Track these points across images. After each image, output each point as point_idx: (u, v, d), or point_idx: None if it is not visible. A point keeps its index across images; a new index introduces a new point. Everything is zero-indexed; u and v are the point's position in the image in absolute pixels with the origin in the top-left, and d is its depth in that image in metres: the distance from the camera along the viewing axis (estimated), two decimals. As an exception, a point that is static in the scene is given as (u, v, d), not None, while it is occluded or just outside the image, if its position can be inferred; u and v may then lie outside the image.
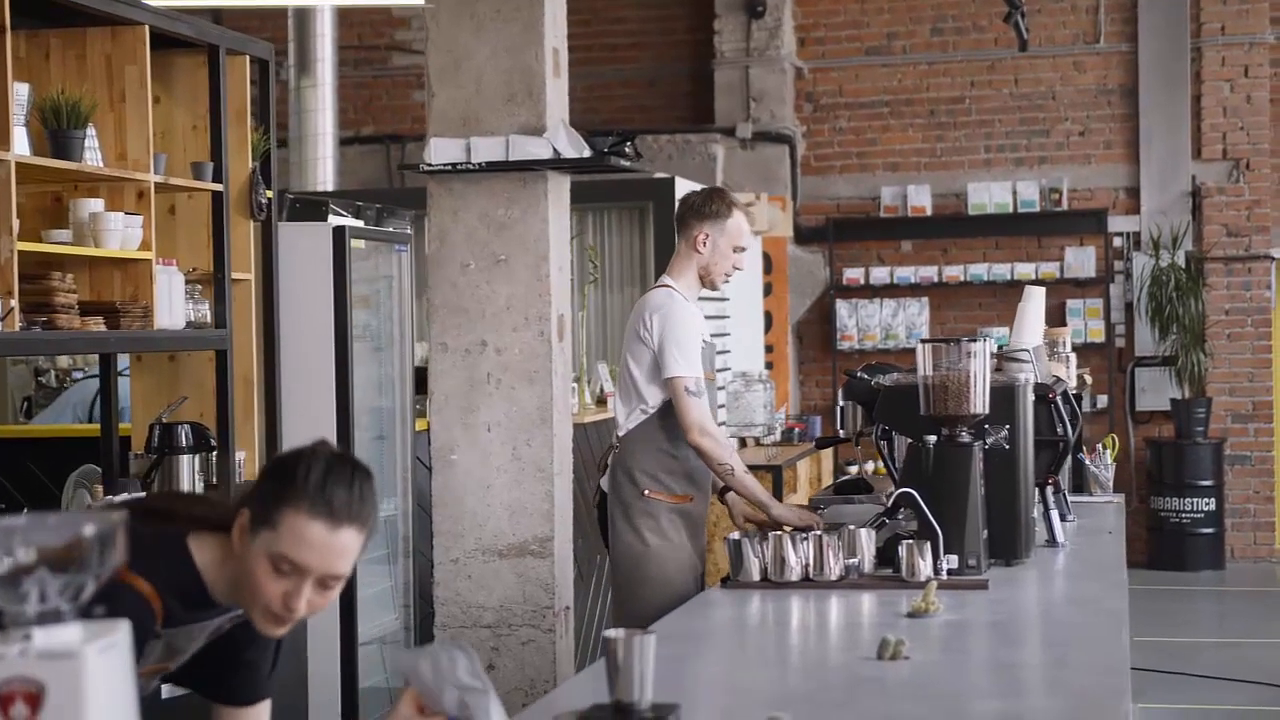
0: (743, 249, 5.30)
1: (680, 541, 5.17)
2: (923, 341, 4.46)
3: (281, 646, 2.90)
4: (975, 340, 4.42)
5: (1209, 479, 12.17)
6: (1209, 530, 12.18)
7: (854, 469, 12.21)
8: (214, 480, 5.56)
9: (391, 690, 6.74)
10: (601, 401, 8.14)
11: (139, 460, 5.49)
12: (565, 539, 5.88)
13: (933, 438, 4.40)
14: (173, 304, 5.24)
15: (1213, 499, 12.16)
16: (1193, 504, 12.14)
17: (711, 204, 5.27)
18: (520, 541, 5.77)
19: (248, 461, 5.82)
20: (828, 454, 11.07)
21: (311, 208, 6.39)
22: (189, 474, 5.38)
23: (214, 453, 5.53)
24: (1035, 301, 5.55)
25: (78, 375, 8.55)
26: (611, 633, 2.74)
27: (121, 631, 1.79)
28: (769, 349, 12.32)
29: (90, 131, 4.90)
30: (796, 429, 10.80)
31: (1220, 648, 9.70)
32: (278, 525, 2.54)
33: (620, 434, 5.25)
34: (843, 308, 12.83)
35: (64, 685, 1.71)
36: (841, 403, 5.15)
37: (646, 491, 5.15)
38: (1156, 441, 12.38)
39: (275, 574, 2.56)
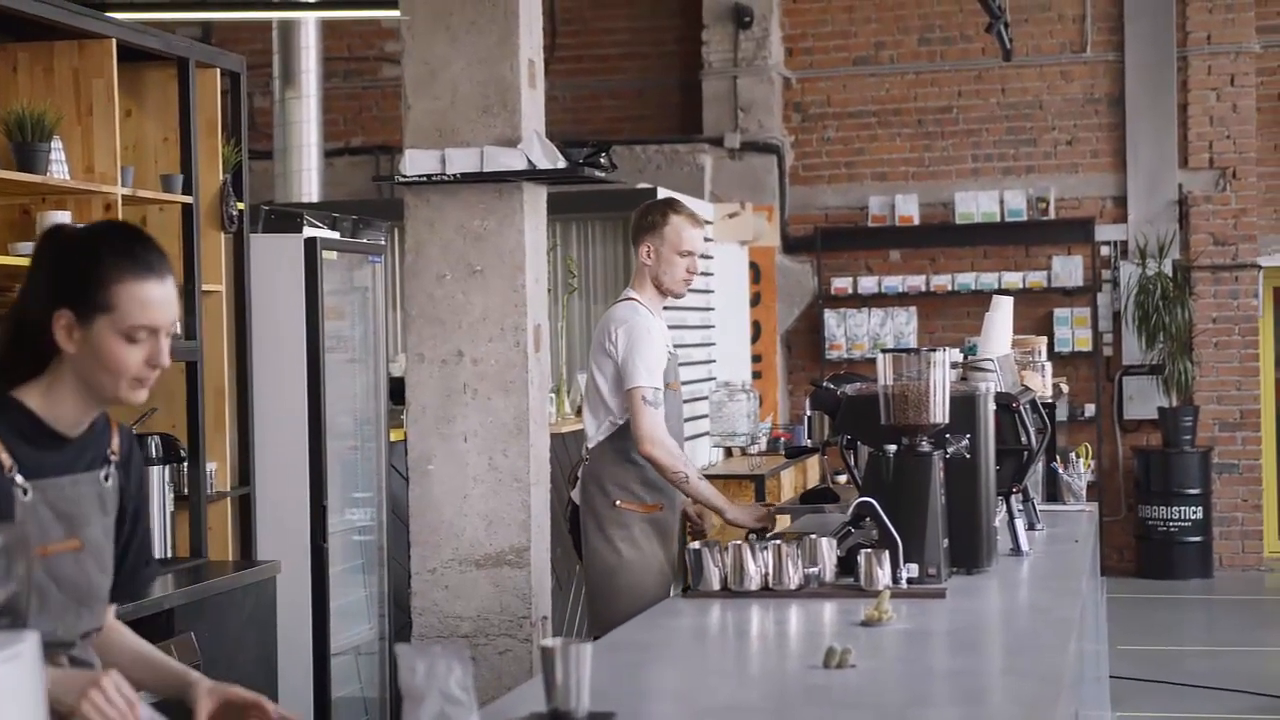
0: (689, 253, 5.37)
1: (652, 551, 5.23)
2: (884, 351, 4.48)
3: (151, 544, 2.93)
4: (935, 350, 4.43)
5: (1196, 487, 12.18)
6: (1197, 539, 12.19)
7: (843, 479, 12.21)
8: (185, 491, 5.57)
9: (366, 700, 6.75)
10: (580, 411, 8.15)
11: (109, 471, 5.49)
12: (542, 549, 5.90)
13: (893, 447, 4.41)
14: (141, 315, 5.25)
15: (1200, 507, 12.17)
16: (1180, 512, 12.15)
17: (648, 216, 5.41)
18: (497, 551, 5.78)
19: (219, 473, 5.84)
20: (814, 463, 11.09)
21: (286, 219, 6.41)
22: (159, 485, 5.39)
23: (184, 464, 5.55)
24: (1002, 311, 5.57)
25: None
26: (547, 642, 2.77)
27: (28, 643, 1.81)
28: (757, 359, 12.35)
29: (56, 144, 4.92)
30: (783, 439, 10.80)
31: (1206, 656, 9.70)
32: (114, 306, 2.65)
33: (590, 445, 5.34)
34: (831, 317, 12.85)
35: (-35, 695, 1.73)
36: (809, 412, 5.17)
37: (618, 502, 5.22)
38: (1144, 450, 12.39)
39: (131, 345, 2.66)
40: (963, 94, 12.90)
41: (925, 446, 4.42)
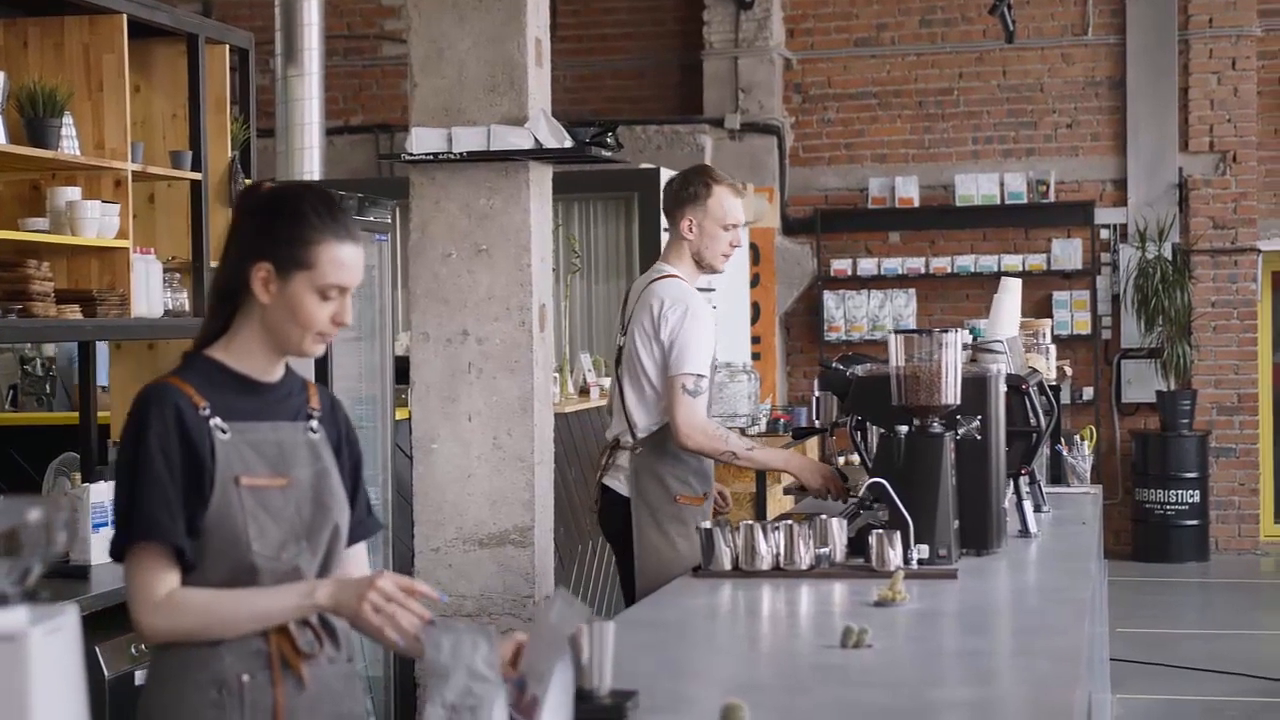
0: (733, 225, 5.15)
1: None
2: (895, 332, 4.47)
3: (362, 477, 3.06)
4: (947, 331, 4.43)
5: (1194, 471, 12.20)
6: (1193, 522, 12.22)
7: (841, 460, 12.23)
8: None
9: (370, 678, 6.76)
10: (584, 391, 8.16)
11: (116, 448, 5.49)
12: (546, 529, 5.90)
13: (904, 428, 4.41)
14: (150, 292, 5.25)
15: (1197, 491, 12.20)
16: (1177, 496, 12.18)
17: (689, 186, 5.16)
18: (501, 531, 5.79)
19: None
20: (814, 444, 11.10)
21: (293, 197, 6.39)
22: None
23: (192, 441, 5.54)
24: (1011, 293, 5.57)
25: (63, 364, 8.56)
26: (570, 620, 2.77)
27: (69, 615, 1.81)
28: (756, 340, 12.35)
29: (67, 120, 4.91)
30: (783, 420, 10.82)
31: (1203, 639, 9.73)
32: (313, 264, 2.80)
33: (639, 435, 5.11)
34: (830, 299, 12.86)
35: (8, 668, 1.73)
36: (817, 393, 5.16)
37: (678, 498, 5.06)
38: (1142, 433, 12.41)
39: (323, 301, 2.81)
40: (963, 76, 12.89)
41: (937, 428, 4.42)
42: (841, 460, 12.20)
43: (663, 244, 9.70)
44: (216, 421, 2.79)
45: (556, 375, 8.05)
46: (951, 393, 4.40)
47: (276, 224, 2.83)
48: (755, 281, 12.33)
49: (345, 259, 2.82)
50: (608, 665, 2.77)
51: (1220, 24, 12.47)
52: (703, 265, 5.19)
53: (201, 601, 2.76)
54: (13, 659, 1.73)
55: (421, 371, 5.69)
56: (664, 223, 9.80)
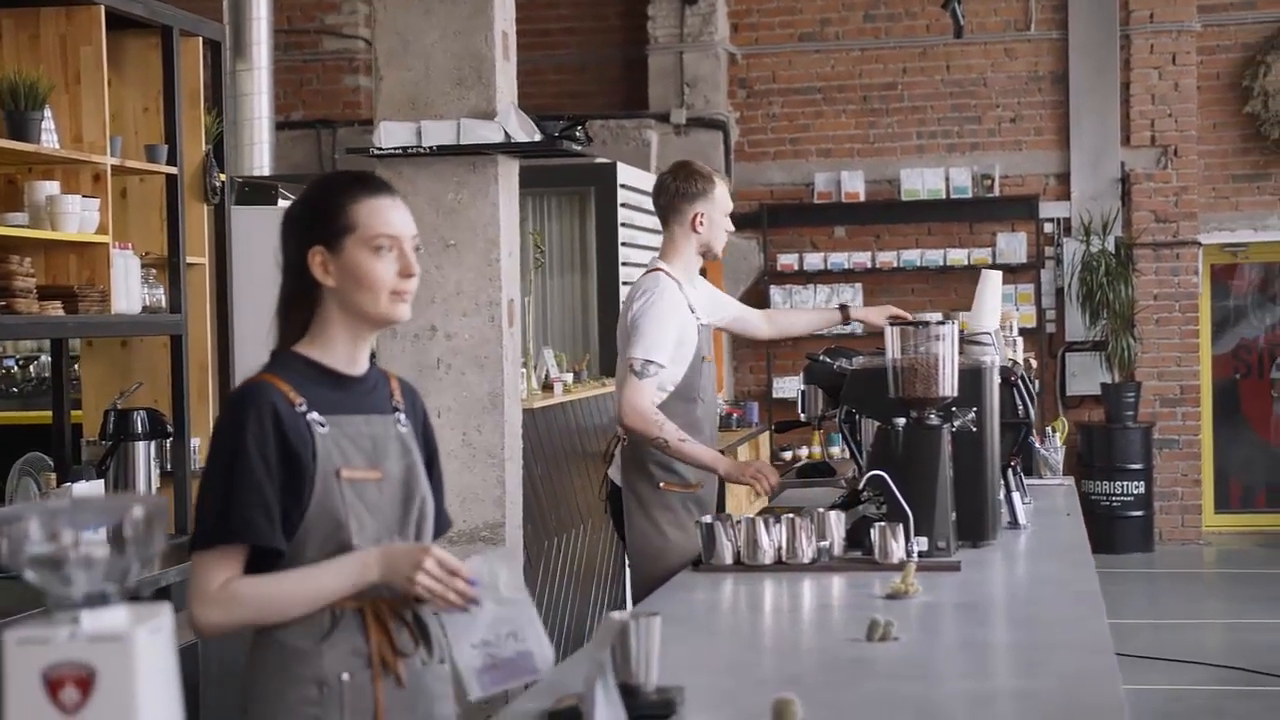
0: (729, 212, 5.34)
1: (695, 530, 5.10)
2: (892, 324, 4.47)
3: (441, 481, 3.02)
4: (944, 323, 4.43)
5: (1138, 462, 12.32)
6: (1138, 513, 12.33)
7: (788, 455, 12.26)
8: (169, 467, 5.49)
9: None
10: (548, 387, 8.12)
11: (92, 447, 5.41)
12: (515, 525, 5.88)
13: (902, 420, 4.41)
14: (129, 288, 5.17)
15: (1142, 482, 12.31)
16: (1122, 487, 12.28)
17: (696, 183, 5.23)
18: (471, 528, 5.76)
19: (203, 448, 5.75)
20: (765, 439, 11.12)
21: (260, 192, 6.34)
22: (144, 460, 5.31)
23: (170, 439, 5.47)
24: (993, 285, 5.58)
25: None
26: (618, 615, 2.74)
27: (165, 615, 1.77)
28: (703, 335, 12.33)
29: (47, 113, 4.82)
30: (734, 415, 10.84)
31: (1151, 629, 9.82)
32: (355, 224, 2.81)
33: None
34: (777, 294, 12.87)
35: (114, 668, 1.69)
36: (803, 386, 5.14)
37: (662, 484, 5.10)
38: (1087, 425, 12.51)
39: (378, 256, 2.81)
40: (908, 71, 12.94)
41: (934, 419, 4.42)
42: (788, 455, 12.26)
43: (620, 238, 9.76)
44: (314, 416, 2.78)
45: (523, 371, 8.01)
46: (949, 384, 4.41)
47: (313, 211, 2.86)
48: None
49: (384, 209, 2.83)
50: (654, 660, 2.74)
51: (1161, 19, 12.59)
52: (707, 256, 5.32)
53: (256, 590, 2.74)
54: (120, 658, 1.69)
55: (390, 367, 5.62)
56: (624, 216, 9.79)
